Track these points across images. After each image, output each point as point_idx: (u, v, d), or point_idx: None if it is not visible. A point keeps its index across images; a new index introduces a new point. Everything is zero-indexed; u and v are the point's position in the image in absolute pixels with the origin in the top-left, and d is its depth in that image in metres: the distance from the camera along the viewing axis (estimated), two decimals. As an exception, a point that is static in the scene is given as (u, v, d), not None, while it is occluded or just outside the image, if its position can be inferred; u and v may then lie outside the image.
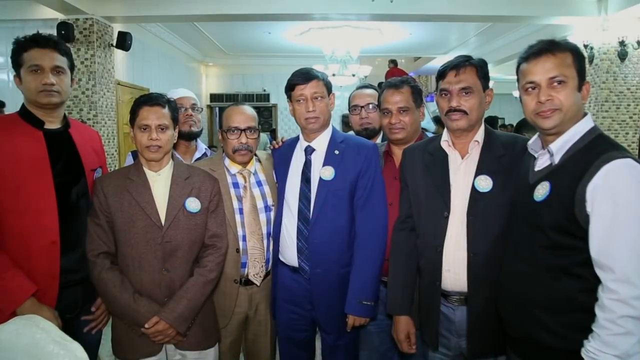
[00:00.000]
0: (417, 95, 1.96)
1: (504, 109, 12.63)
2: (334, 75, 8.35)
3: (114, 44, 5.66)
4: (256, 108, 2.16)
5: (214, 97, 10.53)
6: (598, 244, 1.20)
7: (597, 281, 1.21)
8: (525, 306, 1.37)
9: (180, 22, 6.64)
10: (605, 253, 1.19)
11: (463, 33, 8.13)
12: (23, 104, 1.73)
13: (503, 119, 12.03)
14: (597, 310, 1.20)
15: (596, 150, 1.26)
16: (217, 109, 10.70)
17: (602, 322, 1.18)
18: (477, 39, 8.39)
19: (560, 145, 1.33)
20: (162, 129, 1.74)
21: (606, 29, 5.67)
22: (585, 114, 1.36)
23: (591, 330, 1.21)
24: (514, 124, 3.72)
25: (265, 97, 10.48)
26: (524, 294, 1.38)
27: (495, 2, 5.59)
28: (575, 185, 1.24)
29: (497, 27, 7.38)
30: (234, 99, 10.13)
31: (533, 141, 1.47)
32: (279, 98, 10.27)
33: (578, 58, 1.34)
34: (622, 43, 5.62)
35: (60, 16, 5.20)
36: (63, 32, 5.05)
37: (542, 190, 1.34)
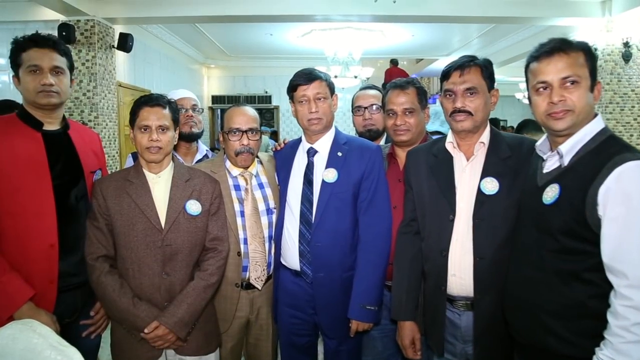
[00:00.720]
0: (423, 97, 1.94)
1: (506, 110, 12.65)
2: (336, 77, 8.35)
3: (115, 46, 5.66)
4: (258, 110, 2.13)
5: (215, 99, 10.53)
6: (610, 249, 1.17)
7: (609, 287, 1.18)
8: (533, 312, 1.34)
9: (181, 23, 6.63)
10: (618, 258, 1.16)
11: (466, 34, 8.11)
12: (22, 105, 1.71)
13: (505, 121, 12.04)
14: (609, 317, 1.17)
15: (608, 151, 1.23)
16: (218, 110, 10.70)
17: (615, 329, 1.14)
18: (480, 40, 8.37)
19: (571, 147, 1.30)
20: (163, 130, 1.72)
21: (610, 30, 5.65)
22: (595, 115, 1.33)
23: (601, 337, 1.18)
24: (515, 127, 3.70)
25: (267, 99, 10.47)
26: (531, 299, 1.35)
27: (498, 3, 5.56)
28: (587, 188, 1.21)
29: (500, 28, 7.36)
30: (236, 100, 10.08)
31: (541, 142, 1.44)
32: (280, 100, 10.29)
33: (590, 57, 1.31)
34: (626, 44, 5.60)
35: (61, 17, 5.20)
36: (64, 33, 5.05)
37: (551, 193, 1.31)
